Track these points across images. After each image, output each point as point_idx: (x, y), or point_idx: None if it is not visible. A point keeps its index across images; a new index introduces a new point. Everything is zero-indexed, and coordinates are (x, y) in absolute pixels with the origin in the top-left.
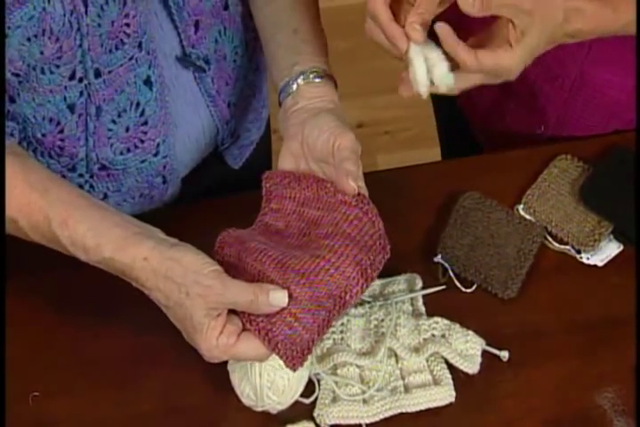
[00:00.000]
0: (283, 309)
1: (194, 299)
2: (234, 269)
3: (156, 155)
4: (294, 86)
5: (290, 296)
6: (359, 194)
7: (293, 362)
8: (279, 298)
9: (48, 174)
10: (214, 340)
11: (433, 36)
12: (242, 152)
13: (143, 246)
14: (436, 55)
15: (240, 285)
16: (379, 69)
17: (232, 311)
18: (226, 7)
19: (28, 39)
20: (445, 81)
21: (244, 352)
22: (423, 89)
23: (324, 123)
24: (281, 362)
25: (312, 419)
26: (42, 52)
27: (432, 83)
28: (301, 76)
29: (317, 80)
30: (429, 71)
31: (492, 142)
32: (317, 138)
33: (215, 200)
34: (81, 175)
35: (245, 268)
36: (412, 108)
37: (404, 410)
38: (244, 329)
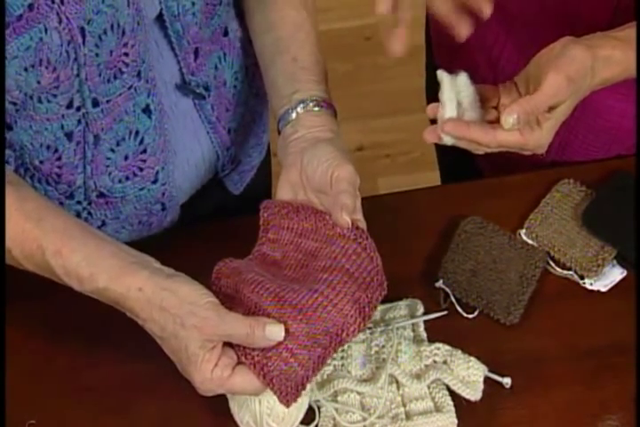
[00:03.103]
0: (279, 343)
1: (189, 330)
2: (230, 301)
3: (154, 182)
4: (293, 115)
5: (286, 331)
6: (357, 228)
7: (287, 398)
8: (275, 332)
9: (43, 203)
10: (209, 373)
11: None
12: (242, 177)
13: (138, 276)
14: (468, 102)
15: (236, 317)
16: (379, 92)
17: (227, 344)
18: (225, 33)
19: (25, 69)
20: None
21: (238, 386)
22: (447, 138)
23: (323, 153)
24: None
25: None
26: (39, 82)
27: None
28: (301, 105)
29: (317, 109)
30: (460, 116)
31: (493, 166)
32: (316, 168)
33: (215, 226)
34: (79, 202)
35: (242, 300)
36: (413, 132)
37: None
38: (239, 362)
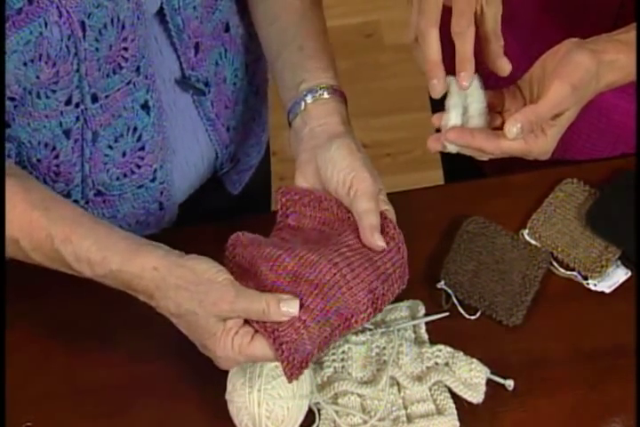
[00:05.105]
0: None
1: (206, 307)
2: (242, 272)
3: (152, 180)
4: (302, 106)
5: (301, 305)
6: (385, 218)
7: (292, 371)
8: (291, 307)
9: (48, 193)
10: (229, 342)
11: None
12: (241, 177)
13: (152, 256)
14: (475, 107)
15: (252, 293)
16: (379, 90)
17: None
18: (227, 29)
19: (25, 64)
20: None
21: (259, 351)
22: (451, 146)
23: (338, 159)
24: (280, 391)
25: None
26: (38, 77)
27: None
28: (308, 95)
29: (325, 96)
30: (465, 123)
31: (496, 165)
32: (331, 177)
33: (214, 226)
34: (76, 201)
35: (257, 275)
36: (414, 130)
37: None
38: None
